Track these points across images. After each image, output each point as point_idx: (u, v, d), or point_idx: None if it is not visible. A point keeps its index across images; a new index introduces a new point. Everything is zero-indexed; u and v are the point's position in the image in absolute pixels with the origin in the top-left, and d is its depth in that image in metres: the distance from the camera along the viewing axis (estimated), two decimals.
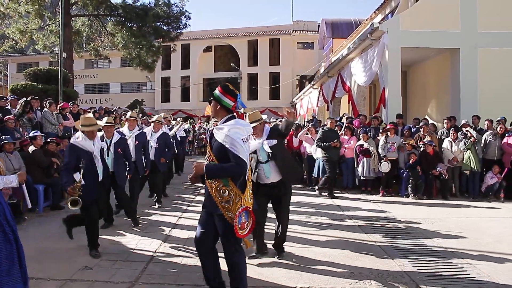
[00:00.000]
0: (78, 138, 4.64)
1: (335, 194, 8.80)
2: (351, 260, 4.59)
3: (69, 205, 4.32)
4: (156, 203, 7.44)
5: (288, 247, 4.87)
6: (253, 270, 4.19)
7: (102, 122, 5.84)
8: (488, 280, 4.02)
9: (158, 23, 22.03)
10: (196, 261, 4.45)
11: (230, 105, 3.16)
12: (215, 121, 4.34)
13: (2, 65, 38.53)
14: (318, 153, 9.55)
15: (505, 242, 5.36)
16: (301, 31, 33.05)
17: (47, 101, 9.28)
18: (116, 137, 5.88)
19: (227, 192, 3.03)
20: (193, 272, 4.11)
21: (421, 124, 9.77)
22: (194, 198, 8.38)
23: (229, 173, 3.03)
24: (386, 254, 4.83)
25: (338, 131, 9.56)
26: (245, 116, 4.67)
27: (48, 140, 7.59)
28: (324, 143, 8.76)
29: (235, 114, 3.23)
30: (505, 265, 4.43)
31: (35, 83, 14.23)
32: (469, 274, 4.19)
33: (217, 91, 3.18)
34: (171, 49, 24.49)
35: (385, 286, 3.87)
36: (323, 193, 8.78)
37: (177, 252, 4.82)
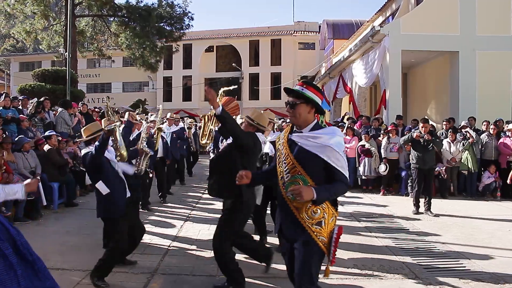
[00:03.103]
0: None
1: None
2: (354, 254, 4.88)
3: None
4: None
5: None
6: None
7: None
8: (482, 271, 4.32)
9: (161, 24, 22.35)
10: (210, 254, 4.76)
11: (325, 109, 2.73)
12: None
13: (3, 63, 38.77)
14: None
15: (498, 237, 5.67)
16: (302, 32, 33.34)
17: (65, 102, 9.59)
18: None
19: (319, 211, 2.45)
20: (207, 264, 4.40)
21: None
22: (201, 196, 8.68)
23: (337, 195, 2.52)
24: (386, 248, 5.13)
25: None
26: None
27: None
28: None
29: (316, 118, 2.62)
30: (498, 259, 4.73)
31: (43, 83, 14.53)
32: (464, 267, 4.49)
33: (306, 90, 2.51)
34: (174, 49, 24.74)
35: (386, 276, 4.17)
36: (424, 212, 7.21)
37: (191, 246, 5.11)
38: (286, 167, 2.51)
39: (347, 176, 2.48)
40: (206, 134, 5.53)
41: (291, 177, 2.49)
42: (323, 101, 2.60)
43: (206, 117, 5.53)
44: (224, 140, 4.40)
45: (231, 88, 5.89)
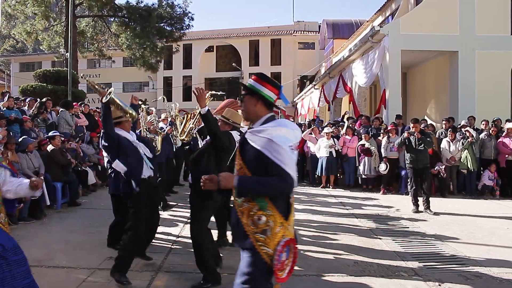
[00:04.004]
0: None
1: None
2: (355, 252, 4.95)
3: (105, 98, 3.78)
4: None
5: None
6: None
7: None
8: (481, 269, 4.37)
9: (162, 24, 22.41)
10: None
11: (273, 98, 2.38)
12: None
13: (3, 64, 38.82)
14: (321, 152, 9.93)
15: (498, 235, 5.74)
16: (302, 32, 33.43)
17: (66, 103, 9.65)
18: None
19: (264, 218, 2.21)
20: None
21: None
22: None
23: (270, 191, 2.22)
24: (386, 246, 5.19)
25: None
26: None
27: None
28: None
29: (274, 113, 2.44)
30: (496, 256, 4.80)
31: (45, 84, 14.60)
32: (464, 264, 4.56)
33: (252, 82, 2.39)
34: (174, 50, 24.78)
35: (386, 274, 4.23)
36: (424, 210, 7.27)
37: None
38: (236, 168, 2.35)
39: (290, 172, 2.18)
40: (185, 132, 5.82)
41: None
42: (280, 95, 2.41)
43: (189, 116, 5.76)
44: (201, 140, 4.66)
45: (218, 93, 6.17)
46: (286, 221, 2.25)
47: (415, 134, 7.37)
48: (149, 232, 4.33)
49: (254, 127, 2.36)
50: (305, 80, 30.10)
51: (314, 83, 20.70)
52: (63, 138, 8.09)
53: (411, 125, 7.62)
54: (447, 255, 4.90)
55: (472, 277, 4.16)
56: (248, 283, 2.21)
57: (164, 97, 8.37)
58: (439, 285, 3.95)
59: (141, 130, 5.77)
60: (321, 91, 18.46)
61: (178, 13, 22.86)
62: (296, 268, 4.37)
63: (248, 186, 2.23)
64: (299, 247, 5.12)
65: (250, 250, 2.23)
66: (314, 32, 32.65)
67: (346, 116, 12.74)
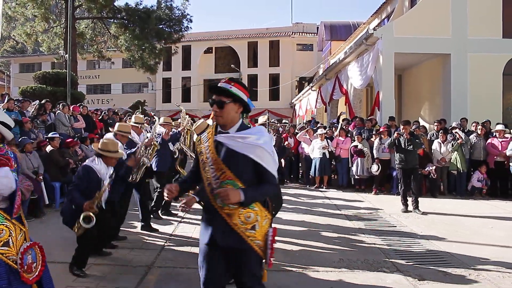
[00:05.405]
0: (94, 161, 4.33)
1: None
2: (341, 249, 5.14)
3: (81, 222, 3.92)
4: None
5: (285, 238, 5.46)
6: None
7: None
8: (461, 266, 4.56)
9: (160, 26, 22.63)
10: None
11: (252, 105, 2.49)
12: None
13: (3, 65, 39.00)
14: (315, 153, 10.13)
15: (481, 234, 5.93)
16: (301, 33, 33.63)
17: (61, 104, 9.84)
18: None
19: (252, 215, 2.36)
20: None
21: (413, 127, 10.29)
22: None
23: (267, 196, 2.45)
24: (373, 244, 5.38)
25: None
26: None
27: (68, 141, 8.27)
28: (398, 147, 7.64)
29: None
30: (478, 254, 4.97)
31: (44, 86, 14.78)
32: (445, 261, 4.74)
33: (235, 89, 2.38)
34: (173, 51, 24.98)
35: (370, 269, 4.42)
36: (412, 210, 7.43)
37: (186, 241, 5.38)
38: (214, 173, 2.38)
39: (276, 175, 2.39)
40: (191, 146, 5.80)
41: (221, 183, 2.35)
42: (248, 99, 2.47)
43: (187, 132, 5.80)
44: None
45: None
46: (269, 213, 2.46)
47: (404, 135, 7.58)
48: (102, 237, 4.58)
49: (230, 132, 2.41)
50: (303, 82, 30.30)
51: (311, 84, 20.92)
52: (68, 140, 8.32)
53: (401, 126, 7.83)
54: (430, 252, 5.08)
55: (451, 273, 4.34)
56: (255, 274, 2.38)
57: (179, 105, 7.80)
58: (419, 280, 4.13)
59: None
60: (318, 93, 18.66)
61: (176, 15, 23.11)
62: (282, 263, 4.59)
63: (254, 198, 2.35)
64: (289, 241, 5.34)
65: (244, 249, 2.34)
66: (313, 34, 32.88)
67: (342, 117, 12.93)
